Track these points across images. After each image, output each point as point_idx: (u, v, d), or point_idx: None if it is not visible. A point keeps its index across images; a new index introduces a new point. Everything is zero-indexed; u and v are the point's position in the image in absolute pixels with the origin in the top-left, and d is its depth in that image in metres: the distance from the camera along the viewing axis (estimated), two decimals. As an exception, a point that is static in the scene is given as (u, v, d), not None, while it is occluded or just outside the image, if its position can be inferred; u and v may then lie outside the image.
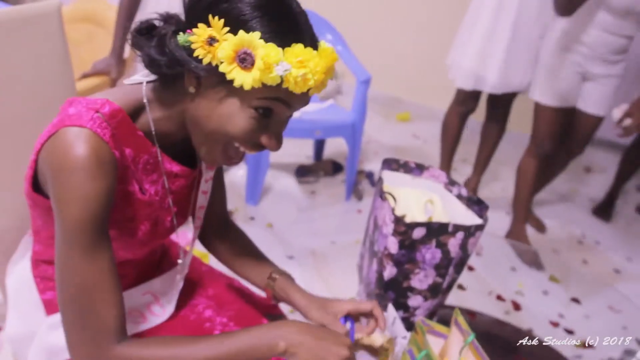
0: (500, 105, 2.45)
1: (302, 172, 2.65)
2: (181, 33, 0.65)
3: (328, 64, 0.67)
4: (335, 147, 3.00)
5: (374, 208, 1.19)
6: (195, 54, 0.63)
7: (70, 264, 0.66)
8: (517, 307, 1.98)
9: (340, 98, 3.68)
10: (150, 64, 0.68)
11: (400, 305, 1.13)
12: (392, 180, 1.21)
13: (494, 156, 2.67)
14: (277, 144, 0.72)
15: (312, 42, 0.67)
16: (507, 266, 2.22)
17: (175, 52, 0.64)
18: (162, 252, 1.02)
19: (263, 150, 0.73)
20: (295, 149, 2.92)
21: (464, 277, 2.04)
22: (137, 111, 0.73)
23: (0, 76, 0.95)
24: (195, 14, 0.65)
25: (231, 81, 0.64)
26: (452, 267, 1.10)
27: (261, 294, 1.08)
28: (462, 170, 2.95)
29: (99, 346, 0.67)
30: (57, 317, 0.88)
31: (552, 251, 2.46)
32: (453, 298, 1.60)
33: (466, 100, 2.43)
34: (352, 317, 0.93)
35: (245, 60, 0.62)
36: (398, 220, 1.02)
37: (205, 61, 0.63)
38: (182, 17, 0.68)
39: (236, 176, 2.59)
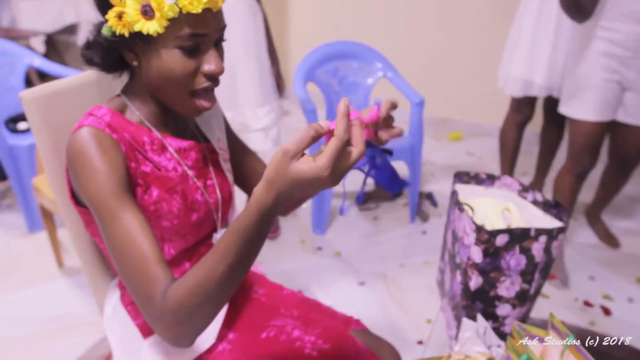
0: (557, 109, 2.44)
1: (363, 199, 2.68)
2: (104, 27, 0.76)
3: None
4: (392, 172, 3.03)
5: (451, 221, 1.20)
6: (118, 33, 0.74)
7: (105, 233, 0.73)
8: (607, 312, 1.92)
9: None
10: (103, 66, 0.81)
11: (489, 315, 1.13)
12: (466, 193, 1.23)
13: (555, 160, 2.63)
14: (217, 65, 0.78)
15: None
16: (585, 274, 2.16)
17: (105, 43, 0.76)
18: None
19: (216, 78, 0.79)
20: (355, 177, 2.96)
21: (545, 285, 2.00)
22: (122, 108, 0.85)
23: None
24: (103, 4, 0.74)
25: (152, 37, 0.74)
26: (537, 272, 1.10)
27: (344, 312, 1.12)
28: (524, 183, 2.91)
29: (153, 299, 0.68)
30: (153, 339, 0.96)
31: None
32: (537, 307, 1.56)
33: (521, 108, 2.43)
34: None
35: (147, 12, 0.71)
36: (479, 229, 1.04)
37: (126, 33, 0.73)
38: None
39: (300, 209, 2.66)
